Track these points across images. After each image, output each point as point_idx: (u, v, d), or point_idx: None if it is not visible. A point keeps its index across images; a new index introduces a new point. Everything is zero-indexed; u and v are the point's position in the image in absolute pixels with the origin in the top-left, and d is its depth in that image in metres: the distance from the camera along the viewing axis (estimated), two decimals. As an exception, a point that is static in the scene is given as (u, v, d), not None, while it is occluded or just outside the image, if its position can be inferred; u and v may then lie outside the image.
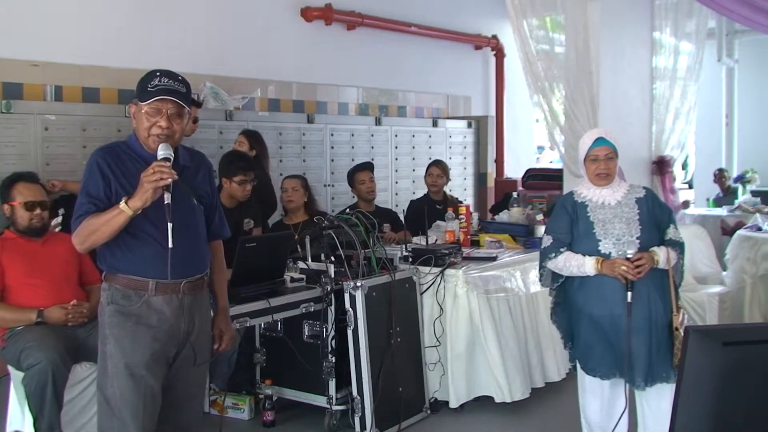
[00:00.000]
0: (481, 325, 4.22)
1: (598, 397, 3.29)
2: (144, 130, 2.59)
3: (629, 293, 3.09)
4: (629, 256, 3.09)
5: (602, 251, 3.18)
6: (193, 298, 2.67)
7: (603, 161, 3.24)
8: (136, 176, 2.56)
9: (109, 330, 2.60)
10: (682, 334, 3.02)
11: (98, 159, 2.59)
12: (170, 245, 2.47)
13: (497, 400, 4.24)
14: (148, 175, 2.46)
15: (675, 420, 1.64)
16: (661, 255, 3.13)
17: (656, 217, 3.25)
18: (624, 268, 3.07)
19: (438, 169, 5.83)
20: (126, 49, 5.28)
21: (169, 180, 2.47)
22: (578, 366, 3.35)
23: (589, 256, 3.18)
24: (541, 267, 3.35)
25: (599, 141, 3.25)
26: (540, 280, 3.42)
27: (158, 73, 2.61)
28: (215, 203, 2.87)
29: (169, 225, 2.48)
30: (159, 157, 2.54)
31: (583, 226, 3.24)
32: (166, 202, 2.49)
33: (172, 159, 2.55)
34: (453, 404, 4.27)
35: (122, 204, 2.47)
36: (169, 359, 2.65)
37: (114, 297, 2.60)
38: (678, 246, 3.21)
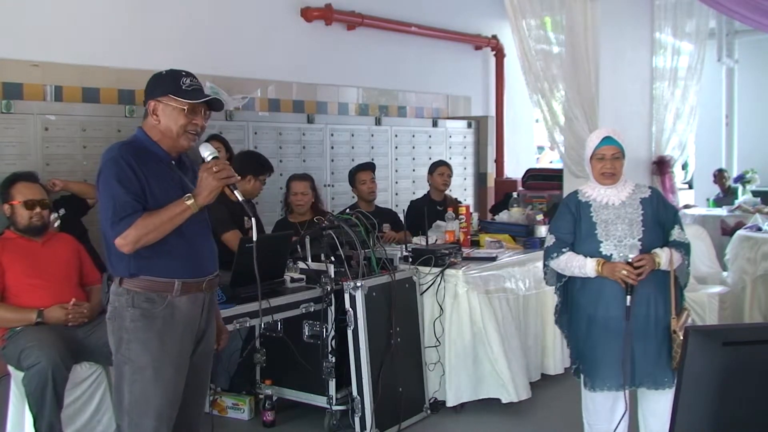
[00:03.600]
0: (483, 326, 4.22)
1: (600, 400, 3.28)
2: (180, 127, 2.57)
3: (628, 297, 3.09)
4: (630, 260, 3.08)
5: (603, 253, 3.17)
6: (210, 296, 2.71)
7: (609, 160, 3.24)
8: (156, 174, 2.56)
9: (132, 334, 2.55)
10: (681, 337, 3.02)
11: (123, 154, 2.52)
12: (254, 238, 2.65)
13: (504, 401, 4.24)
14: (214, 173, 2.49)
15: (675, 420, 1.64)
16: (663, 256, 3.12)
17: (661, 218, 3.23)
18: (624, 272, 3.07)
19: (448, 169, 5.88)
20: (126, 49, 5.28)
21: (238, 178, 2.57)
22: (580, 368, 3.35)
23: (591, 257, 3.18)
24: (545, 266, 3.36)
25: (607, 140, 3.25)
26: (544, 278, 3.43)
27: (183, 73, 2.61)
28: None
29: (253, 221, 2.62)
30: (208, 157, 2.56)
31: (586, 226, 3.24)
32: (241, 200, 2.59)
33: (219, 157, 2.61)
34: (450, 403, 4.26)
35: (189, 201, 2.48)
36: (189, 358, 2.66)
37: (136, 300, 2.55)
38: (683, 247, 3.19)
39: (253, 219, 2.61)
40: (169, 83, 2.59)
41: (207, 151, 2.58)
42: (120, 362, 2.59)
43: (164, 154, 2.61)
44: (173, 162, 2.64)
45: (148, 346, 2.54)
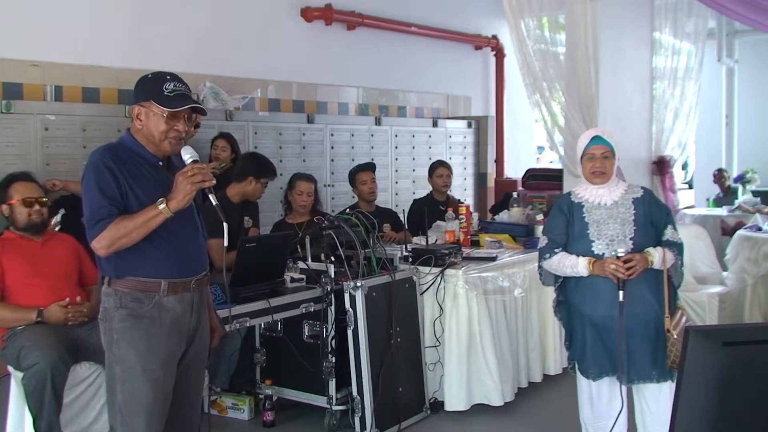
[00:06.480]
0: (479, 327, 4.22)
1: (596, 398, 3.30)
2: (161, 133, 2.57)
3: (621, 292, 3.09)
4: (620, 254, 3.09)
5: (595, 252, 3.19)
6: (199, 295, 2.70)
7: (599, 159, 3.25)
8: (140, 176, 2.56)
9: (120, 334, 2.57)
10: (675, 336, 3.03)
11: (104, 159, 2.53)
12: (225, 244, 2.55)
13: (492, 404, 4.25)
14: (188, 177, 2.48)
15: (675, 420, 1.64)
16: (656, 255, 3.13)
17: (653, 218, 3.24)
18: (613, 266, 3.07)
19: (447, 170, 5.85)
20: (126, 49, 5.28)
21: (213, 182, 2.53)
22: (576, 366, 3.36)
23: (583, 256, 3.19)
24: (539, 266, 3.37)
25: (596, 139, 3.28)
26: (540, 279, 3.44)
27: (168, 77, 2.60)
28: (200, 203, 2.89)
29: (225, 225, 2.54)
30: (188, 160, 2.55)
31: (578, 227, 3.26)
32: (215, 204, 2.55)
33: (199, 160, 2.58)
34: (448, 408, 4.25)
35: (162, 206, 2.47)
36: (178, 357, 2.66)
37: (123, 301, 2.57)
38: (676, 247, 3.19)
39: (225, 224, 2.55)
40: (151, 88, 2.58)
41: (187, 154, 2.57)
42: (111, 362, 2.60)
43: (151, 156, 2.62)
44: (161, 163, 2.63)
45: (136, 345, 2.55)
